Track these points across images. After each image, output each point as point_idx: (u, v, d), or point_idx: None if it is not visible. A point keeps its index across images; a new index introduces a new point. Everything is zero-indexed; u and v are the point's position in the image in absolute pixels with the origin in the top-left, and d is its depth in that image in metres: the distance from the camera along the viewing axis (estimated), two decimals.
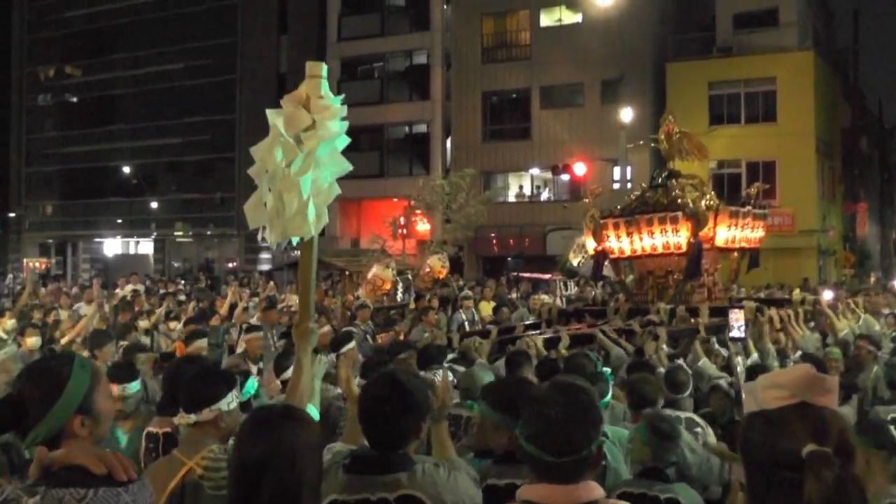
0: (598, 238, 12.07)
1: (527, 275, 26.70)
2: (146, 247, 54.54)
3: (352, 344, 8.01)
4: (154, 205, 51.10)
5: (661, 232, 11.22)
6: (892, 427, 4.60)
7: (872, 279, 34.72)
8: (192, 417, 3.88)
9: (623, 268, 12.69)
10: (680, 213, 11.07)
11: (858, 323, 11.35)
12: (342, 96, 4.00)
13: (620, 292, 12.76)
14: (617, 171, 30.88)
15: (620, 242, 11.75)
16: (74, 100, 55.05)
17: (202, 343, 8.81)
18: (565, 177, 35.13)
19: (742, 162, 34.31)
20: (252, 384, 6.23)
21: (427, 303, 15.15)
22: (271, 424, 2.70)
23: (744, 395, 2.10)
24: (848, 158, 42.47)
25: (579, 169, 30.71)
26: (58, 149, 54.41)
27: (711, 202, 11.44)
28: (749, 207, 12.15)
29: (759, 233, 12.52)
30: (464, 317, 14.94)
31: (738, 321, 7.00)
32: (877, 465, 4.42)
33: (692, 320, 9.98)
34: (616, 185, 29.54)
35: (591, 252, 12.63)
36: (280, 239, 3.91)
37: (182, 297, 19.65)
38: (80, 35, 53.06)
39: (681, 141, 12.47)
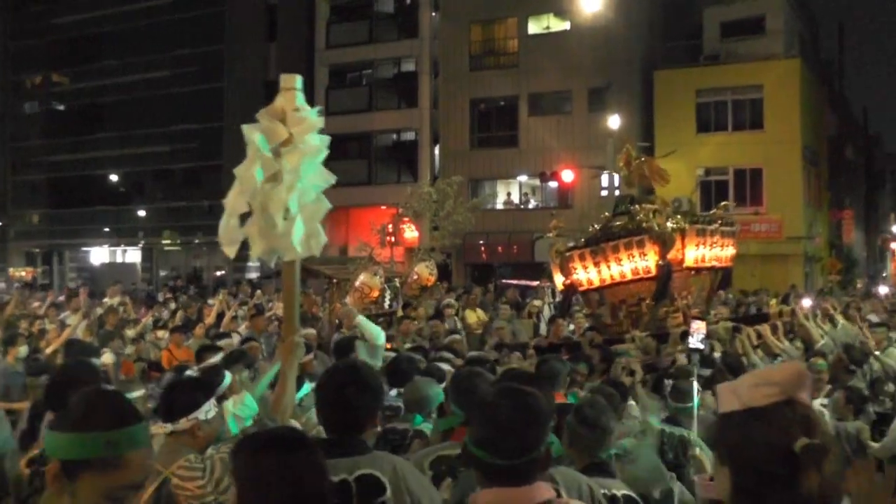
0: (566, 272, 11.91)
1: (515, 282, 26.71)
2: (133, 255, 54.33)
3: (309, 356, 8.03)
4: (141, 213, 50.93)
5: (629, 258, 10.95)
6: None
7: (859, 285, 34.92)
8: (169, 427, 3.86)
9: (593, 300, 12.44)
10: (646, 237, 10.92)
11: (836, 329, 11.31)
12: (318, 108, 4.02)
13: (593, 325, 12.42)
14: (605, 179, 30.92)
15: (588, 273, 11.43)
16: (61, 108, 54.88)
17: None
18: (553, 184, 35.20)
19: (729, 169, 34.42)
20: (228, 378, 6.30)
21: (413, 311, 15.14)
22: (272, 451, 2.50)
23: (720, 395, 2.11)
24: (834, 166, 42.68)
25: (567, 176, 30.79)
26: (44, 157, 54.18)
27: (677, 223, 11.32)
28: (717, 225, 11.96)
29: (730, 250, 12.28)
30: (446, 325, 14.86)
31: (697, 331, 6.95)
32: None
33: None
34: (604, 193, 29.59)
35: (560, 287, 12.47)
36: (264, 255, 3.93)
37: (173, 306, 19.68)
38: (67, 42, 52.84)
39: (640, 167, 12.36)
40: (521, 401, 2.74)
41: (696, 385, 6.65)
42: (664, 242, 10.81)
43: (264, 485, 2.38)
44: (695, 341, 6.96)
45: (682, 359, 8.63)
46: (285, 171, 3.82)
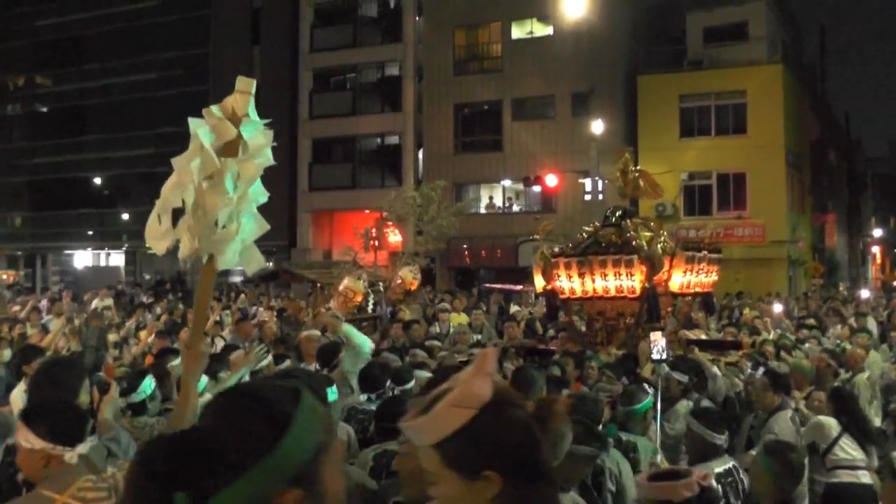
0: (548, 277, 11.90)
1: (498, 286, 26.72)
2: (117, 259, 54.14)
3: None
4: (125, 216, 50.66)
5: (616, 275, 10.92)
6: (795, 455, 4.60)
7: (841, 288, 35.15)
8: (80, 448, 3.58)
9: (571, 308, 12.42)
10: (635, 257, 10.97)
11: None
12: (268, 120, 3.74)
13: (569, 333, 12.39)
14: (588, 183, 31.01)
15: (572, 283, 11.39)
16: (44, 110, 54.61)
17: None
18: (537, 188, 35.25)
19: (713, 173, 34.58)
20: (149, 384, 6.25)
21: (398, 316, 15.19)
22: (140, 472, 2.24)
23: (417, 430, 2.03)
24: (816, 170, 42.91)
25: (551, 181, 30.82)
26: (27, 159, 53.91)
27: (667, 244, 11.39)
28: (704, 252, 12.05)
29: (713, 277, 12.42)
30: (438, 329, 14.92)
31: (655, 342, 6.94)
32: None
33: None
34: (588, 197, 29.66)
35: (538, 290, 12.47)
36: (193, 255, 3.60)
37: (158, 310, 19.60)
38: (51, 44, 52.62)
39: (636, 180, 12.44)
40: None
41: (658, 393, 6.72)
42: (653, 265, 10.86)
43: None
44: (655, 353, 6.95)
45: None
46: (239, 180, 3.60)
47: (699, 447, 5.45)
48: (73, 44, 51.90)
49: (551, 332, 13.84)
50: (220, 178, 3.56)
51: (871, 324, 17.29)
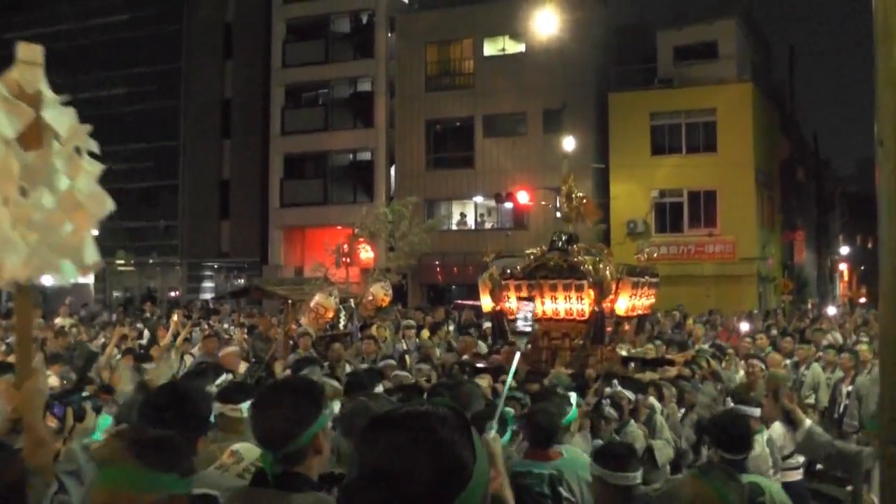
0: (497, 298, 12.13)
1: (470, 302, 26.71)
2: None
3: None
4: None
5: (566, 298, 11.35)
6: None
7: (810, 305, 35.47)
8: None
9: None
10: (585, 282, 11.22)
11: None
12: (66, 97, 2.99)
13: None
14: (559, 200, 31.08)
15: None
16: None
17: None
18: (509, 205, 35.31)
19: (683, 191, 34.77)
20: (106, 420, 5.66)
21: (370, 331, 15.17)
22: None
23: None
24: (786, 188, 43.25)
25: (522, 197, 30.90)
26: None
27: (610, 269, 11.66)
28: (647, 277, 12.45)
29: (651, 300, 12.95)
30: (405, 346, 14.91)
31: (521, 311, 6.64)
32: None
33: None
34: (559, 214, 29.70)
35: (487, 310, 12.69)
36: (35, 273, 2.99)
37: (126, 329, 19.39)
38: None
39: (578, 206, 12.84)
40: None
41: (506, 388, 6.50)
42: (601, 290, 11.16)
43: None
44: (521, 324, 6.59)
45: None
46: (56, 176, 2.90)
47: (609, 495, 4.60)
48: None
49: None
50: (43, 178, 2.81)
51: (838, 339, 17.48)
